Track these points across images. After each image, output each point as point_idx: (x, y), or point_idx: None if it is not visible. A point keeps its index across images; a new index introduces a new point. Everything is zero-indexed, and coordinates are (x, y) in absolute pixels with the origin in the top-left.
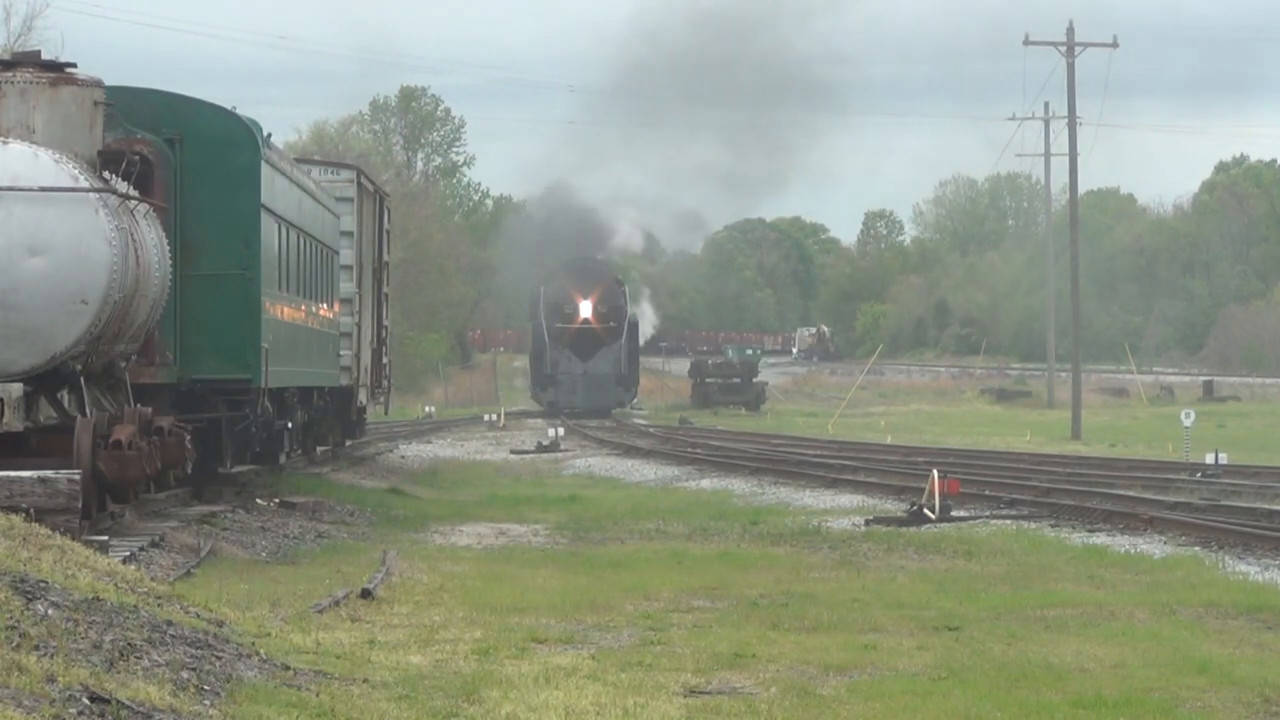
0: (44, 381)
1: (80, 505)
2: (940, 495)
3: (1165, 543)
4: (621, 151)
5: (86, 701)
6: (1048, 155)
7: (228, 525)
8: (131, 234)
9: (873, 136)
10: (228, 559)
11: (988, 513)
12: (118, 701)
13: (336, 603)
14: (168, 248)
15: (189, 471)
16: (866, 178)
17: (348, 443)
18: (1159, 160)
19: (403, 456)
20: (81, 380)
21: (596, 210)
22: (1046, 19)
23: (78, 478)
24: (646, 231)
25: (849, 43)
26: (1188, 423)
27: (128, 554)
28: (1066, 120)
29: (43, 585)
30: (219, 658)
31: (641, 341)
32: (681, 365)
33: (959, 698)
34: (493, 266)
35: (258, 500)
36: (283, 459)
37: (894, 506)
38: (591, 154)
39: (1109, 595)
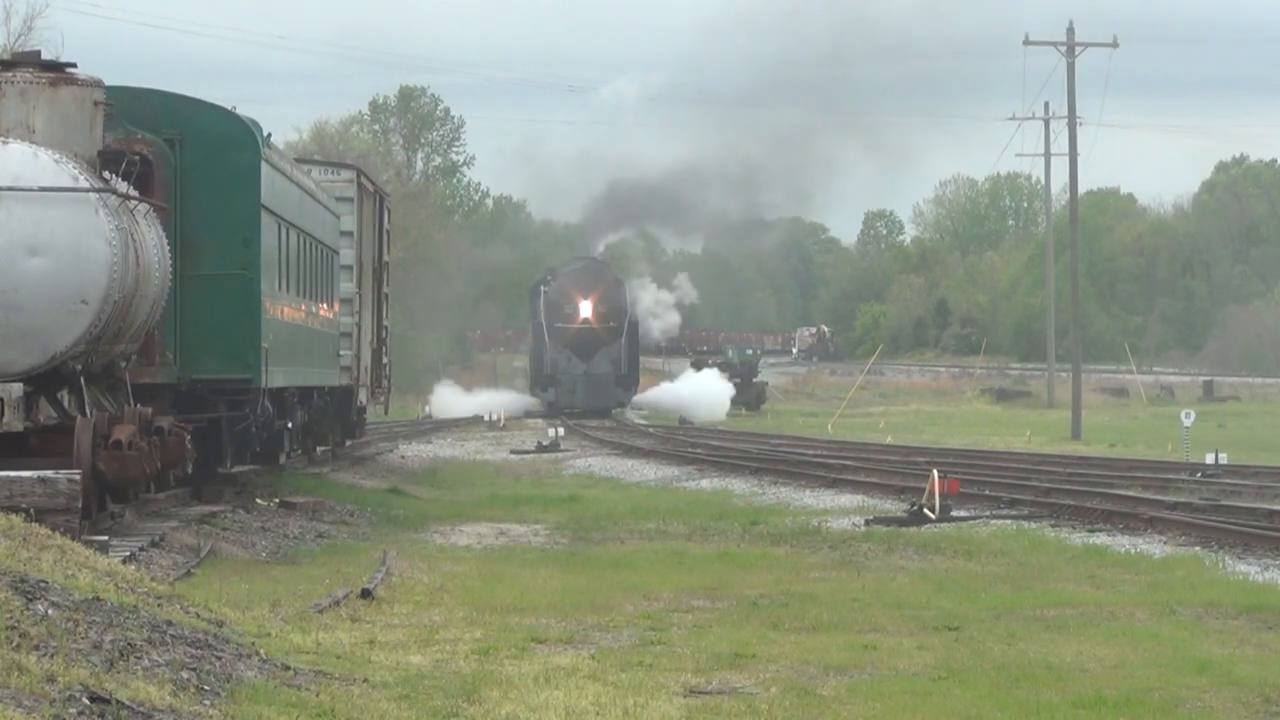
0: (44, 381)
1: (80, 505)
2: (940, 495)
3: (1165, 543)
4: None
5: (86, 701)
6: (1048, 155)
7: (228, 525)
8: (131, 234)
9: (872, 136)
10: (228, 559)
11: (988, 513)
12: (118, 701)
13: (336, 603)
14: (168, 248)
15: (189, 471)
16: (866, 177)
17: (348, 443)
18: (1159, 160)
19: (403, 456)
20: (81, 380)
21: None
22: (1046, 19)
23: (78, 478)
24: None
25: (848, 42)
26: (1188, 423)
27: (128, 554)
28: (1066, 120)
29: (43, 585)
30: (219, 658)
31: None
32: (681, 365)
33: (959, 698)
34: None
35: (258, 500)
36: (283, 459)
37: (894, 506)
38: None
39: (1109, 595)
